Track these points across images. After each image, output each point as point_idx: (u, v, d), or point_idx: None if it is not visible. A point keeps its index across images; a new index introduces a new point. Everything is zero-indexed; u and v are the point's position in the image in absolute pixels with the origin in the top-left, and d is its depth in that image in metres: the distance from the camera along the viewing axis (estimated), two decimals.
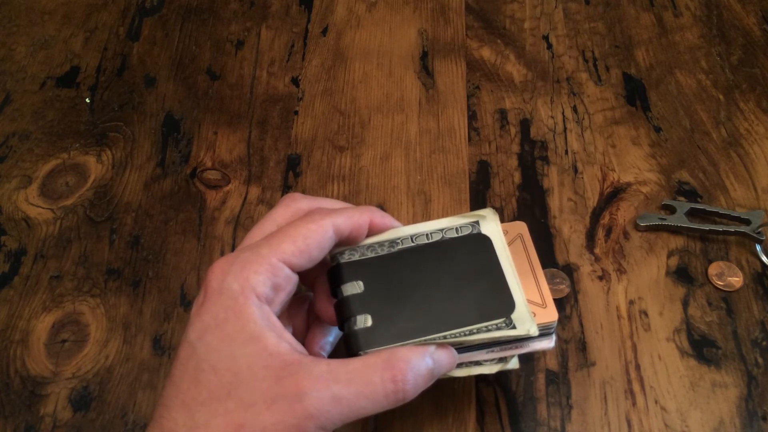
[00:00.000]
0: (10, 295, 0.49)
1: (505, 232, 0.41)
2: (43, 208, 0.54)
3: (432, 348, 0.36)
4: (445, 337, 0.37)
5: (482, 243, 0.40)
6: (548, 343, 0.40)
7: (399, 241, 0.40)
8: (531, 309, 0.38)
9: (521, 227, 0.43)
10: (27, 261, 0.51)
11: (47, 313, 0.48)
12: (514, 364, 0.40)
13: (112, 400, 0.45)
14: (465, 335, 0.37)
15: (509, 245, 0.40)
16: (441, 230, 0.40)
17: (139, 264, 0.51)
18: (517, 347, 0.39)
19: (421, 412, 0.44)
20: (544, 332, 0.39)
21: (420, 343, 0.36)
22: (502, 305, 0.38)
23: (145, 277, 0.50)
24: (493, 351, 0.38)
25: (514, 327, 0.37)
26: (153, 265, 0.51)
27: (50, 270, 0.50)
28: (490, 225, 0.40)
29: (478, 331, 0.37)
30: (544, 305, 0.40)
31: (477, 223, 0.40)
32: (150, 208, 0.54)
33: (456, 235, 0.40)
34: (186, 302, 0.49)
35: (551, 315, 0.39)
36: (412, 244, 0.40)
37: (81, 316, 0.48)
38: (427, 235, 0.40)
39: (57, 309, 0.48)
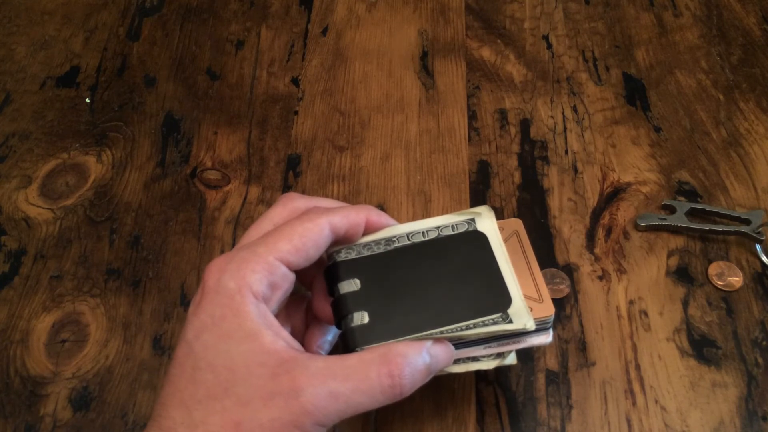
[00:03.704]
0: (10, 295, 0.49)
1: (501, 229, 0.41)
2: (43, 208, 0.54)
3: (429, 343, 0.36)
4: (442, 333, 0.37)
5: (478, 240, 0.40)
6: (546, 338, 0.40)
7: (395, 239, 0.40)
8: (528, 304, 0.38)
9: (517, 224, 0.43)
10: (27, 261, 0.51)
11: (47, 313, 0.48)
12: (511, 359, 0.40)
13: (112, 400, 0.45)
14: (462, 330, 0.37)
15: (505, 242, 0.40)
16: (437, 228, 0.40)
17: (139, 264, 0.51)
18: (514, 342, 0.39)
19: (421, 412, 0.44)
20: (541, 327, 0.39)
21: (417, 338, 0.36)
22: (499, 300, 0.38)
23: (145, 277, 0.50)
24: (490, 346, 0.39)
25: (510, 321, 0.37)
26: (153, 265, 0.51)
27: (50, 270, 0.50)
28: (486, 222, 0.40)
29: (475, 326, 0.37)
30: (540, 300, 0.40)
31: (473, 220, 0.41)
32: (150, 208, 0.54)
33: (452, 233, 0.40)
34: (186, 302, 0.49)
35: (548, 309, 0.39)
36: (409, 242, 0.40)
37: (81, 316, 0.48)
38: (423, 232, 0.40)
39: (57, 309, 0.48)
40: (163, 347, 0.47)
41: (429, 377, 0.37)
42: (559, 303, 0.48)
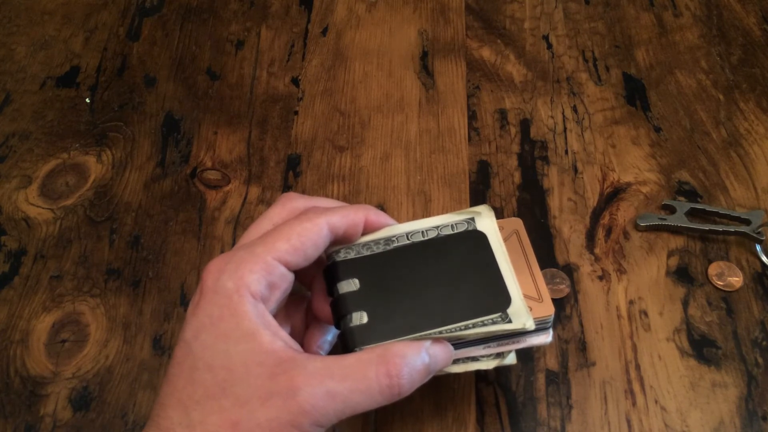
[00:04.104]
0: (10, 295, 0.49)
1: (501, 229, 0.41)
2: (43, 208, 0.54)
3: (428, 343, 0.36)
4: (441, 333, 0.37)
5: (478, 239, 0.40)
6: (545, 338, 0.40)
7: (394, 238, 0.40)
8: (527, 303, 0.38)
9: (517, 223, 0.43)
10: (27, 261, 0.51)
11: (47, 313, 0.48)
12: (511, 359, 0.40)
13: (112, 400, 0.45)
14: (461, 330, 0.37)
15: (505, 241, 0.40)
16: (436, 227, 0.40)
17: (139, 264, 0.51)
18: (514, 342, 0.39)
19: (421, 412, 0.44)
20: (541, 326, 0.39)
21: (416, 338, 0.36)
22: (499, 300, 0.38)
23: (145, 277, 0.50)
24: (489, 346, 0.38)
25: (510, 321, 0.37)
26: (153, 265, 0.51)
27: (50, 270, 0.50)
28: (486, 221, 0.40)
29: (474, 325, 0.37)
30: (540, 300, 0.40)
31: (472, 219, 0.41)
32: (150, 208, 0.54)
33: (451, 232, 0.40)
34: (186, 302, 0.49)
35: (547, 309, 0.39)
36: (408, 242, 0.40)
37: (81, 316, 0.48)
38: (422, 232, 0.40)
39: (57, 309, 0.48)
40: (163, 347, 0.47)
41: (428, 377, 0.37)
42: (559, 303, 0.48)
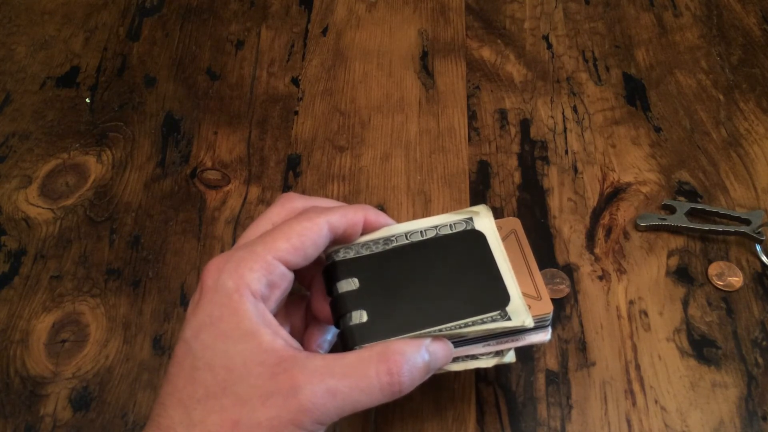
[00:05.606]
0: (10, 295, 0.49)
1: (499, 228, 0.41)
2: (43, 208, 0.54)
3: (427, 341, 0.36)
4: (440, 330, 0.37)
5: (476, 239, 0.40)
6: (544, 336, 0.40)
7: (393, 238, 0.40)
8: (526, 302, 0.38)
9: (515, 223, 0.43)
10: (27, 261, 0.51)
11: (47, 313, 0.48)
12: (510, 357, 0.40)
13: (112, 400, 0.45)
14: (460, 328, 0.37)
15: (503, 241, 0.41)
16: (435, 227, 0.40)
17: (139, 264, 0.51)
18: (513, 340, 0.39)
19: (421, 412, 0.44)
20: (540, 324, 0.39)
21: (416, 336, 0.36)
22: (497, 298, 0.38)
23: (145, 277, 0.50)
24: (489, 344, 0.39)
25: (509, 319, 0.37)
26: (153, 265, 0.51)
27: (50, 270, 0.50)
28: (484, 221, 0.41)
29: (474, 323, 0.37)
30: (539, 298, 0.40)
31: (471, 219, 0.41)
32: (150, 208, 0.54)
33: (450, 232, 0.40)
34: (186, 302, 0.49)
35: (546, 307, 0.39)
36: (407, 242, 0.40)
37: (81, 316, 0.48)
38: (421, 232, 0.40)
39: (57, 309, 0.48)
40: (163, 347, 0.47)
41: (428, 375, 0.37)
42: (559, 303, 0.48)
